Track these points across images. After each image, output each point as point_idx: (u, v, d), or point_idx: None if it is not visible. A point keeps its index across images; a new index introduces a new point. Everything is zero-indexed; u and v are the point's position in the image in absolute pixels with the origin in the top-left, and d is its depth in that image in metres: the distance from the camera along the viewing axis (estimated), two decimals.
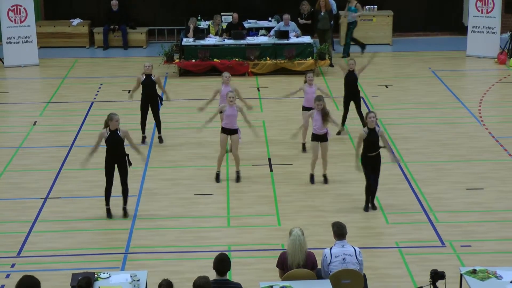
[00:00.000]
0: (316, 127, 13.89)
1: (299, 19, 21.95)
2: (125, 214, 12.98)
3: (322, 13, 21.34)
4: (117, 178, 12.82)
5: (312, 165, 14.14)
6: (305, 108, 15.28)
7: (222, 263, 8.98)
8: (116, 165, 12.73)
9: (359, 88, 16.15)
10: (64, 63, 22.12)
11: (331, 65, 21.03)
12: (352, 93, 16.03)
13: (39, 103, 18.87)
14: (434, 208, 13.18)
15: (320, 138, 13.92)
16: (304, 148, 15.51)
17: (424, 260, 11.50)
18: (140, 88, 15.89)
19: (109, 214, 12.99)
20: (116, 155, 12.62)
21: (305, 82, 15.40)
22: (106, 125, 12.60)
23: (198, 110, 15.53)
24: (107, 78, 20.74)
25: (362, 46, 22.61)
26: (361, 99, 16.39)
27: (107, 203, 12.99)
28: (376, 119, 12.80)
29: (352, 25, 22.06)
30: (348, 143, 15.93)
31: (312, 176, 14.19)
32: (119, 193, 13.00)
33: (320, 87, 15.41)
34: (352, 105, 16.07)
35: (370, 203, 13.13)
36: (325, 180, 14.18)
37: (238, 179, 14.27)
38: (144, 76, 15.71)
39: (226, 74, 15.45)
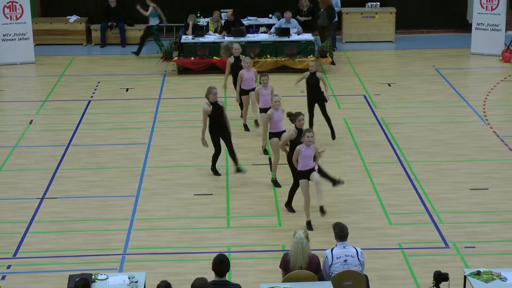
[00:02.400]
0: (305, 163, 12.14)
1: (298, 16, 21.74)
2: (240, 170, 13.89)
3: (322, 10, 21.18)
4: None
5: (306, 209, 12.33)
6: (262, 110, 14.86)
7: (221, 264, 8.97)
8: (220, 137, 13.85)
9: (322, 90, 15.56)
10: (61, 60, 21.97)
11: (332, 63, 20.82)
12: (315, 95, 15.55)
13: (35, 101, 18.73)
14: (437, 208, 13.06)
15: (309, 173, 12.19)
16: (265, 152, 15.11)
17: (427, 261, 11.40)
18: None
19: (216, 172, 14.22)
20: (220, 126, 13.71)
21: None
22: (208, 100, 13.66)
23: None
24: (104, 76, 20.59)
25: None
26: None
27: (213, 165, 14.18)
28: (300, 121, 12.71)
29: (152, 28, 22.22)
30: (350, 142, 15.76)
31: (309, 224, 12.32)
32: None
33: (274, 92, 14.80)
34: (317, 108, 15.54)
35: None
36: (322, 210, 12.23)
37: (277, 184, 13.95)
38: (234, 59, 16.35)
39: (247, 59, 15.70)
